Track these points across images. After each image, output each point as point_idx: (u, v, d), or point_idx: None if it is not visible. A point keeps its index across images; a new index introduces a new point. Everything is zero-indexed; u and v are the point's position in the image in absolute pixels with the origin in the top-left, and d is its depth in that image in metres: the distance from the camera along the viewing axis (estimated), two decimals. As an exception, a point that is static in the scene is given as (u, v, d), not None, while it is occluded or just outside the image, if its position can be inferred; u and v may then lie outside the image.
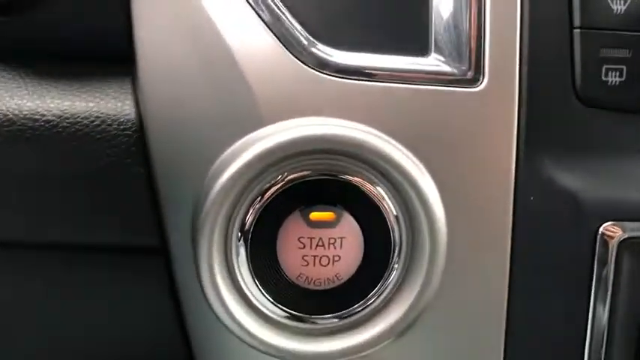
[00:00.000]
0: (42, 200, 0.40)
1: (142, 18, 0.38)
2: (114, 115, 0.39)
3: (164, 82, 0.37)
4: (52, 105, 0.39)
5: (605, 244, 0.38)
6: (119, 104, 0.39)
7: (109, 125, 0.39)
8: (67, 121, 0.39)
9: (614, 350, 0.39)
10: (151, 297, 0.41)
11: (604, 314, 0.39)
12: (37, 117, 0.39)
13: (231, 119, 0.36)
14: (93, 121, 0.39)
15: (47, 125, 0.39)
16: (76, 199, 0.39)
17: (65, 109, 0.39)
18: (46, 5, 0.41)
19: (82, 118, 0.39)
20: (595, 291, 0.38)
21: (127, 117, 0.39)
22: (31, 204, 0.40)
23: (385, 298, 0.36)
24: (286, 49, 0.36)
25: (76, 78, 0.41)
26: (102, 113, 0.39)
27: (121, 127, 0.39)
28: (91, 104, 0.39)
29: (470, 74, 0.36)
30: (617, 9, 0.37)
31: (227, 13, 0.37)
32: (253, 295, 0.36)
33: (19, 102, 0.39)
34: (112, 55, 0.41)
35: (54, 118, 0.39)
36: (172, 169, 0.38)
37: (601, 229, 0.38)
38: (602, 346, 0.39)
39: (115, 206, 0.40)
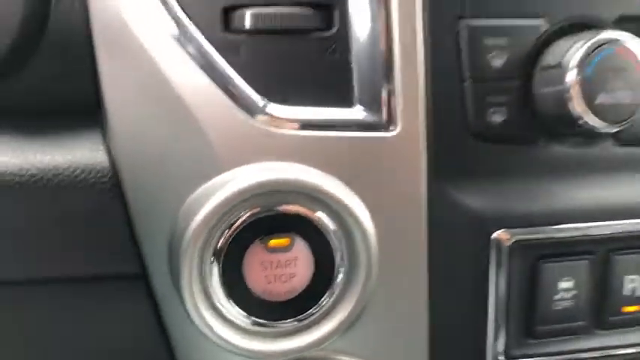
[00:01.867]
0: (33, 241, 0.42)
1: (109, 80, 0.41)
2: (91, 165, 0.42)
3: (132, 137, 0.40)
4: (34, 160, 0.41)
5: (497, 246, 0.44)
6: (93, 154, 0.42)
7: (88, 174, 0.42)
8: (51, 173, 0.41)
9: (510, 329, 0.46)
10: (135, 315, 0.44)
11: (499, 301, 0.45)
12: (22, 172, 0.41)
13: (197, 166, 0.40)
14: (73, 172, 0.41)
15: (33, 179, 0.41)
16: (62, 239, 0.42)
17: (47, 163, 0.41)
18: (23, 70, 0.43)
19: (63, 169, 0.41)
20: (494, 285, 0.45)
21: (101, 165, 0.42)
22: (23, 245, 0.42)
23: (334, 300, 0.41)
24: (241, 109, 0.40)
25: (52, 132, 0.43)
26: (80, 164, 0.42)
27: (98, 174, 0.42)
28: (68, 157, 0.42)
29: (385, 122, 0.41)
30: (496, 64, 0.44)
31: (188, 79, 0.40)
32: (226, 309, 0.41)
33: (4, 159, 0.41)
34: (80, 109, 0.43)
35: (38, 172, 0.41)
36: (146, 208, 0.41)
37: (494, 235, 0.44)
38: (499, 326, 0.46)
39: (98, 242, 0.42)
